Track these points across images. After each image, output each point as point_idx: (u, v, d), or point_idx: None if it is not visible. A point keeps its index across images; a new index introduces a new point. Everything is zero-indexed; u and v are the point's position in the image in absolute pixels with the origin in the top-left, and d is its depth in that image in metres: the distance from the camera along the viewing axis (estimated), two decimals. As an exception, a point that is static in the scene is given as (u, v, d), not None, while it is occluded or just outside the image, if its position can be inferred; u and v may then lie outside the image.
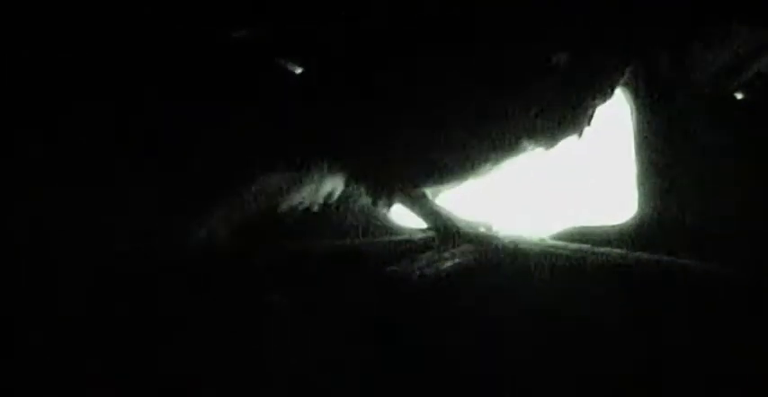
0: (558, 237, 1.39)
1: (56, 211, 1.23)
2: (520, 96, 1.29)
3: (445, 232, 1.39)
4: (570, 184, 1.46)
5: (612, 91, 1.36)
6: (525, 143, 1.33)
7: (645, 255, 1.31)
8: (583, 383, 1.16)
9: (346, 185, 1.32)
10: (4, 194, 1.22)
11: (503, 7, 1.27)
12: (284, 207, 1.31)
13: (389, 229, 1.41)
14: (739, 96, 1.41)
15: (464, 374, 1.17)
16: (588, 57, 1.30)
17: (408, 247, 1.36)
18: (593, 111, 1.35)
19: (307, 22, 1.28)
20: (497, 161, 1.33)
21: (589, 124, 1.34)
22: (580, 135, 1.35)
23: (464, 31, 1.26)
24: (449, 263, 1.31)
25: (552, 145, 1.35)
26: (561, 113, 1.31)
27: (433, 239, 1.38)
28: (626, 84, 1.41)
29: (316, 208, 1.33)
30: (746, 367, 1.14)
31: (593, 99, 1.33)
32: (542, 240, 1.38)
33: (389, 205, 1.36)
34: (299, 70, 1.32)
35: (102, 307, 1.20)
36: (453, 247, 1.35)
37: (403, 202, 1.37)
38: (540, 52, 1.29)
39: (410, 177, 1.33)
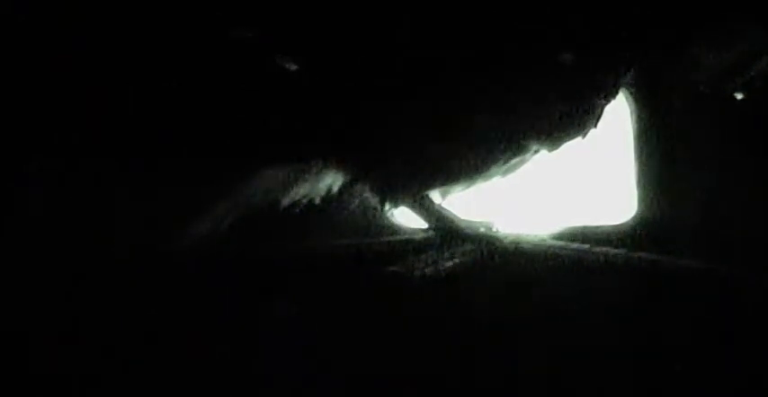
0: (558, 237, 1.39)
1: (56, 211, 1.23)
2: (525, 97, 1.29)
3: (445, 232, 1.39)
4: (570, 184, 1.46)
5: (617, 90, 1.37)
6: (531, 144, 1.33)
7: (645, 255, 1.31)
8: (583, 382, 1.16)
9: (351, 184, 1.33)
10: (5, 194, 1.22)
11: (506, 7, 1.27)
12: (285, 202, 1.31)
13: (389, 229, 1.41)
14: (739, 96, 1.41)
15: (464, 374, 1.17)
16: (592, 57, 1.30)
17: (408, 247, 1.36)
18: (601, 112, 1.35)
19: (307, 21, 1.28)
20: (505, 162, 1.34)
21: (596, 126, 1.35)
22: (584, 136, 1.36)
23: (469, 32, 1.26)
24: (449, 263, 1.31)
25: (557, 147, 1.35)
26: (567, 113, 1.31)
27: (434, 239, 1.39)
28: (626, 84, 1.41)
29: (317, 202, 1.33)
30: (747, 368, 1.14)
31: (598, 98, 1.33)
32: (542, 240, 1.38)
33: (396, 206, 1.36)
34: (299, 69, 1.32)
35: (102, 307, 1.20)
36: (453, 247, 1.35)
37: (406, 203, 1.37)
38: (546, 53, 1.29)
39: (417, 179, 1.33)
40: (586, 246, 1.34)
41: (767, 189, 1.35)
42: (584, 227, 1.41)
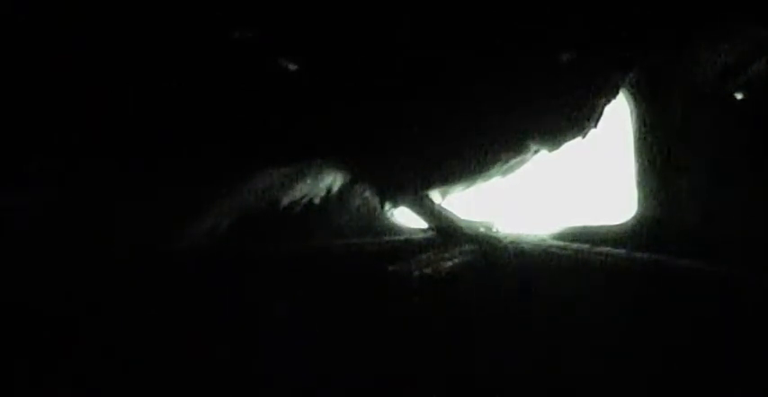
0: (558, 237, 1.39)
1: (56, 211, 1.23)
2: (526, 97, 1.29)
3: (446, 232, 1.39)
4: (570, 184, 1.46)
5: (617, 90, 1.37)
6: (531, 144, 1.33)
7: (645, 255, 1.31)
8: (583, 381, 1.16)
9: (351, 184, 1.33)
10: (5, 194, 1.23)
11: (507, 9, 1.27)
12: (285, 202, 1.32)
13: (389, 229, 1.42)
14: (739, 96, 1.41)
15: (464, 373, 1.17)
16: (592, 57, 1.31)
17: (408, 247, 1.36)
18: (601, 112, 1.35)
19: (307, 21, 1.28)
20: (505, 162, 1.34)
21: (596, 126, 1.35)
22: (584, 136, 1.36)
23: (469, 33, 1.27)
24: (449, 263, 1.31)
25: (558, 146, 1.36)
26: (567, 113, 1.31)
27: (433, 239, 1.39)
28: (626, 84, 1.41)
29: (317, 202, 1.33)
30: (747, 367, 1.14)
31: (598, 98, 1.34)
32: (542, 240, 1.38)
33: (396, 206, 1.37)
34: (299, 69, 1.33)
35: (102, 306, 1.21)
36: (453, 247, 1.35)
37: (406, 203, 1.38)
38: (546, 53, 1.29)
39: (417, 179, 1.34)
40: (586, 246, 1.34)
41: (766, 189, 1.35)
42: (584, 227, 1.41)
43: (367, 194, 1.36)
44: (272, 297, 1.23)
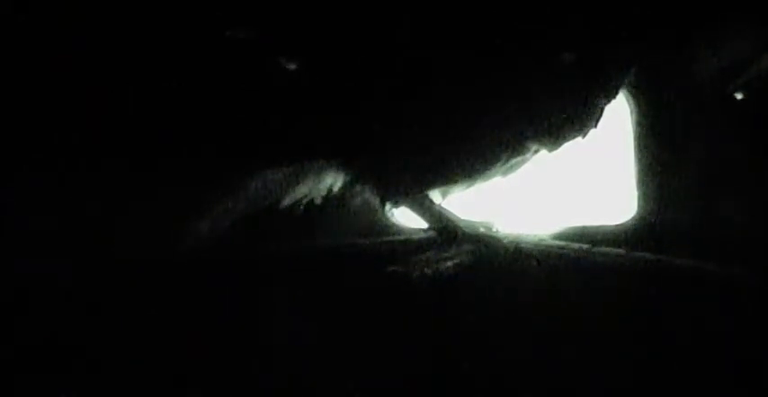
0: (558, 237, 1.39)
1: (57, 211, 1.23)
2: (526, 97, 1.29)
3: (446, 232, 1.39)
4: (570, 184, 1.46)
5: (617, 90, 1.37)
6: (531, 144, 1.33)
7: (645, 255, 1.31)
8: (582, 382, 1.16)
9: (351, 184, 1.33)
10: (5, 194, 1.22)
11: (507, 8, 1.27)
12: (285, 202, 1.32)
13: (389, 229, 1.42)
14: (739, 96, 1.41)
15: (464, 374, 1.17)
16: (592, 57, 1.31)
17: (408, 247, 1.36)
18: (601, 112, 1.35)
19: (307, 21, 1.28)
20: (505, 162, 1.34)
21: (596, 126, 1.35)
22: (584, 136, 1.36)
23: (469, 33, 1.27)
24: (449, 263, 1.31)
25: (558, 146, 1.36)
26: (567, 113, 1.31)
27: (433, 239, 1.39)
28: (626, 84, 1.41)
29: (318, 201, 1.33)
30: (747, 368, 1.14)
31: (599, 98, 1.34)
32: (542, 240, 1.38)
33: (396, 206, 1.37)
34: (299, 69, 1.32)
35: (102, 307, 1.21)
36: (453, 247, 1.35)
37: (406, 203, 1.38)
38: (546, 53, 1.29)
39: (417, 179, 1.34)
40: (586, 246, 1.34)
41: (766, 189, 1.35)
42: (584, 227, 1.41)
43: (367, 194, 1.35)
44: (273, 297, 1.23)
